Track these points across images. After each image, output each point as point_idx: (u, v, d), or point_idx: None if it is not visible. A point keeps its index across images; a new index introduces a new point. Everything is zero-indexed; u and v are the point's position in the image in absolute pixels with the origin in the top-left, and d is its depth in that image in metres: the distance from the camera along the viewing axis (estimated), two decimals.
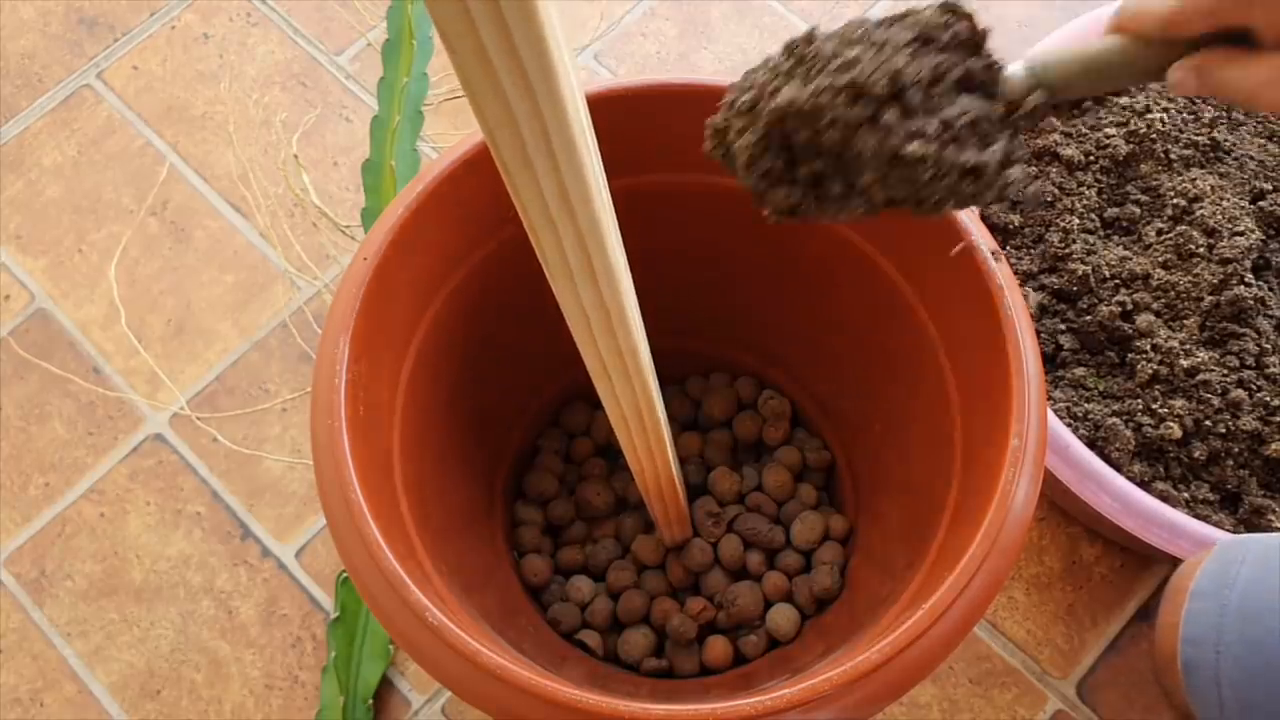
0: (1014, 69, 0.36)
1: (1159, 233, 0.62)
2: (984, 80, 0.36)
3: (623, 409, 0.45)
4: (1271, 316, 0.61)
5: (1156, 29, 0.33)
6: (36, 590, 0.66)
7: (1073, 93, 0.36)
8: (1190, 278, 0.59)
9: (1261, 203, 0.62)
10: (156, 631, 0.65)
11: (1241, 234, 0.59)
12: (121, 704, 0.64)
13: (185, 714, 0.63)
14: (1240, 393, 0.57)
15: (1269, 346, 0.59)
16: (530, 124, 0.30)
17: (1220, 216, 0.60)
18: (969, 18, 0.36)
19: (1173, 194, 0.62)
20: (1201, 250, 0.60)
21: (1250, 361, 0.59)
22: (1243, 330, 0.59)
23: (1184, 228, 0.60)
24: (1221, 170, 0.63)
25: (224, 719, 0.63)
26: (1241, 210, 0.60)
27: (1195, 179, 0.62)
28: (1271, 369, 0.59)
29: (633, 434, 0.47)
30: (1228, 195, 0.61)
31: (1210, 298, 0.59)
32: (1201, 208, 0.61)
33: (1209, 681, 0.44)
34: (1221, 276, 0.59)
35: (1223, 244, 0.59)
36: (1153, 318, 0.59)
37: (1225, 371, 0.58)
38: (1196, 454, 0.57)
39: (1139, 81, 0.36)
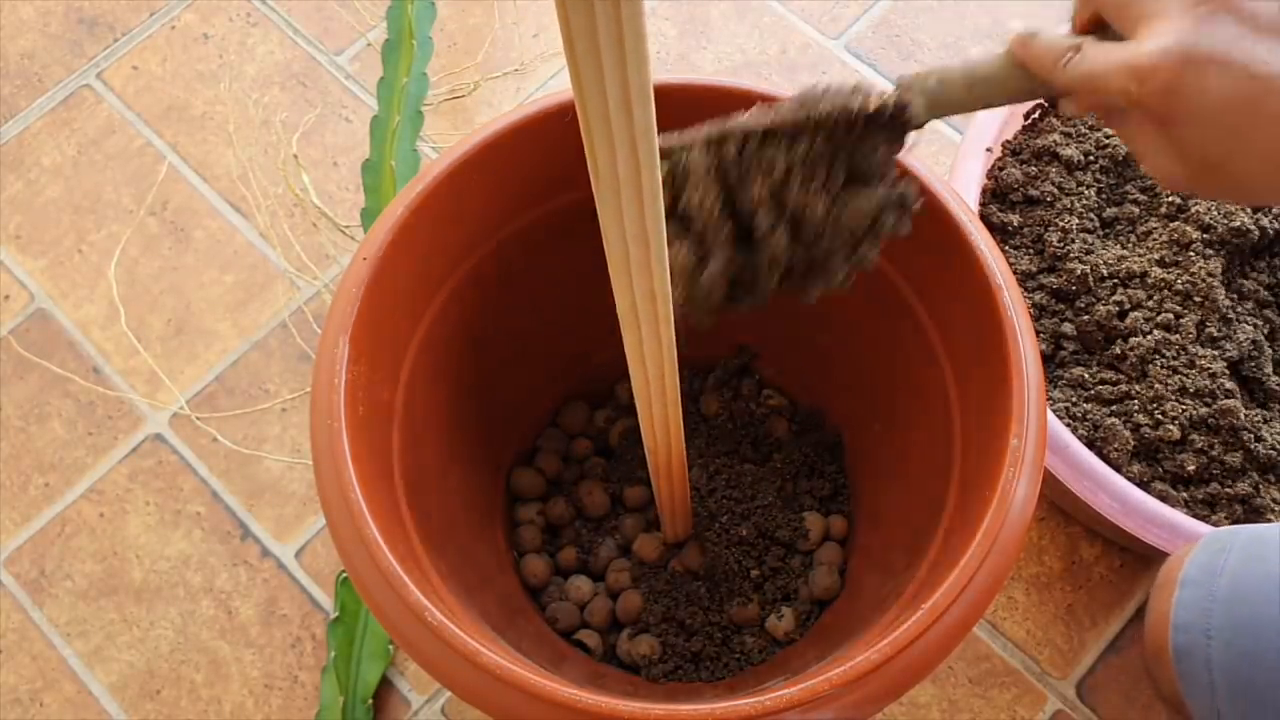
0: (900, 82, 0.40)
1: (1156, 232, 0.62)
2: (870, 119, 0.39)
3: (647, 367, 0.45)
4: (1267, 315, 0.61)
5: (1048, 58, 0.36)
6: (36, 590, 0.66)
7: (951, 108, 0.40)
8: (1188, 276, 0.59)
9: None
10: (156, 631, 0.65)
11: (1239, 231, 0.59)
12: (121, 704, 0.64)
13: (185, 714, 0.63)
14: (1237, 390, 0.57)
15: (1265, 343, 0.59)
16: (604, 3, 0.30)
17: (1216, 213, 0.60)
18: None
19: (1168, 192, 0.62)
20: (1198, 248, 0.60)
21: (1248, 360, 0.59)
22: (1239, 328, 0.59)
23: (1179, 224, 0.60)
24: None
25: (224, 719, 0.63)
26: (1237, 207, 0.60)
27: None
28: (1269, 367, 0.59)
29: (652, 398, 0.47)
30: None
31: (1207, 297, 0.59)
32: (1197, 204, 0.61)
33: (1200, 666, 0.45)
34: (1218, 274, 0.59)
35: (1218, 241, 0.59)
36: (1150, 316, 0.59)
37: (1224, 370, 0.58)
38: (1195, 454, 0.57)
39: (1018, 99, 0.40)
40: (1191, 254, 0.59)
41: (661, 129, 0.52)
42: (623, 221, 0.38)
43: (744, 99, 0.50)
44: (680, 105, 0.51)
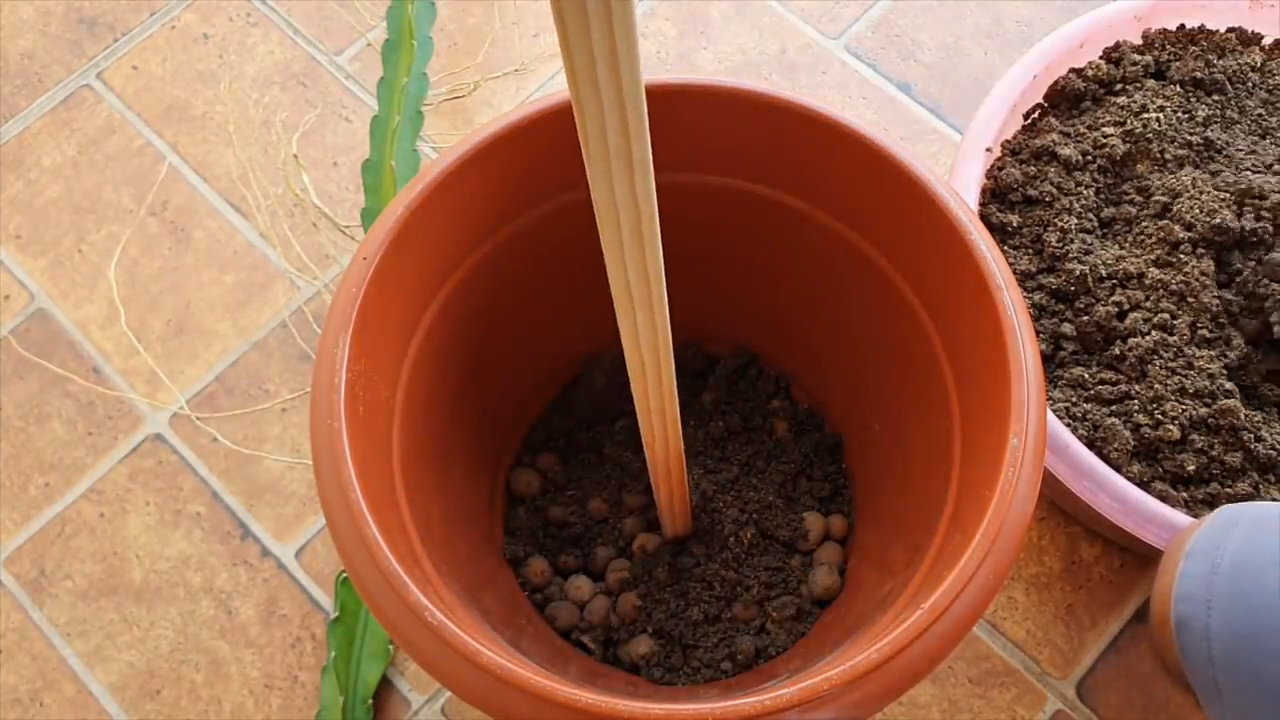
0: None
1: (1151, 232, 0.62)
2: None
3: (642, 352, 0.45)
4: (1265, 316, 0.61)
5: None
6: (36, 590, 0.67)
7: None
8: (1182, 276, 0.59)
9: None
10: (156, 631, 0.65)
11: (1219, 229, 0.59)
12: (121, 704, 0.64)
13: (185, 714, 0.63)
14: (1236, 390, 0.57)
15: (1263, 344, 0.59)
16: None
17: (1198, 211, 0.60)
18: None
19: (1161, 192, 0.62)
20: (1186, 248, 0.60)
21: (1247, 360, 0.59)
22: (1236, 329, 0.59)
23: (1166, 223, 0.60)
24: (1214, 169, 0.63)
25: (224, 719, 0.63)
26: (1220, 204, 0.60)
27: (1185, 178, 0.62)
28: (1268, 367, 0.59)
29: (648, 385, 0.47)
30: (1216, 193, 0.61)
31: (1204, 297, 0.59)
32: (1180, 202, 0.61)
33: (1199, 637, 0.45)
34: (1211, 274, 0.59)
35: (1202, 240, 0.59)
36: (1149, 317, 0.59)
37: (1222, 369, 0.58)
38: (1195, 454, 0.57)
39: None
40: (1181, 254, 0.60)
41: (662, 129, 0.52)
42: (613, 190, 0.37)
43: (744, 99, 0.50)
44: (680, 105, 0.51)
